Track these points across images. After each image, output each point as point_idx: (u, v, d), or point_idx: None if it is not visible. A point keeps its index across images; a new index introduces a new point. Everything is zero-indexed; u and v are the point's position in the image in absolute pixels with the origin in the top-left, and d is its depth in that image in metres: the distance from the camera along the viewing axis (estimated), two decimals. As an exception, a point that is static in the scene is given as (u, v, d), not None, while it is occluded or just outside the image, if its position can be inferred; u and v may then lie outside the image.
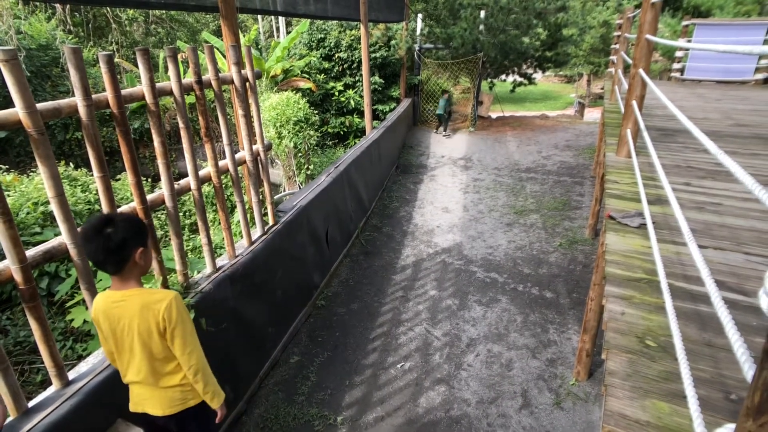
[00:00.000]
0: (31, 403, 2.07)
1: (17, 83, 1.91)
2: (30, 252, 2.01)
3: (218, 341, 3.09)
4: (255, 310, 3.62)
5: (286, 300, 4.17)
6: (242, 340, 3.44)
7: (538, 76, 15.84)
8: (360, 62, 11.21)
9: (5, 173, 5.47)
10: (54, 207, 2.07)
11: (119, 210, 2.44)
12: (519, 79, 14.42)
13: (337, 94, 11.38)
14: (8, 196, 4.71)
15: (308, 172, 7.30)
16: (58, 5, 9.46)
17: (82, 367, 2.33)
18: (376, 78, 11.43)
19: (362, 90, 10.33)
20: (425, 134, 12.29)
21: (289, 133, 7.09)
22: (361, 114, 11.20)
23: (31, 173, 5.25)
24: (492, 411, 3.42)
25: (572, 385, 3.63)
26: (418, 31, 12.46)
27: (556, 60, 13.46)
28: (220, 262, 3.34)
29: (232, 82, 3.41)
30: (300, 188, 6.30)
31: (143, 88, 2.56)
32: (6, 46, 2.00)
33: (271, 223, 4.00)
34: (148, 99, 2.57)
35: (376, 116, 11.22)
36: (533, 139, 11.52)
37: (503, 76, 14.54)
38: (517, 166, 9.42)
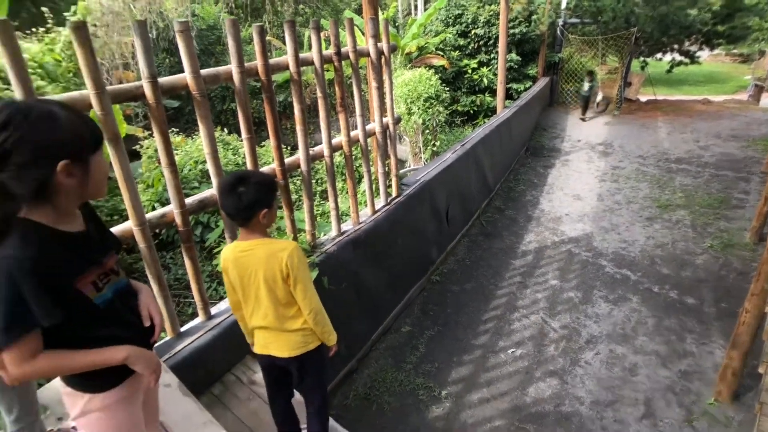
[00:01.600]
0: (183, 328, 2.46)
1: (187, 51, 2.18)
2: (188, 200, 2.34)
3: (337, 300, 3.28)
4: (373, 276, 3.77)
5: (402, 271, 4.27)
6: (359, 302, 3.62)
7: (703, 54, 13.47)
8: (497, 39, 10.68)
9: (175, 135, 6.41)
10: (208, 162, 2.36)
11: (264, 170, 2.69)
12: (678, 57, 12.45)
13: (470, 71, 11.05)
14: (176, 154, 5.50)
15: (434, 149, 7.28)
16: None
17: (222, 305, 2.68)
18: (513, 55, 10.83)
19: (497, 68, 9.87)
20: (562, 116, 11.39)
21: (418, 109, 7.11)
22: (493, 93, 10.74)
23: (194, 136, 6.07)
24: (608, 414, 3.12)
25: (710, 405, 3.13)
26: (564, 5, 11.43)
27: (730, 35, 11.29)
28: (344, 227, 3.53)
29: (368, 54, 3.49)
30: (425, 165, 6.31)
31: (288, 57, 2.75)
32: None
33: (394, 194, 4.09)
34: (292, 68, 2.76)
35: (509, 95, 10.68)
36: (689, 127, 9.96)
37: (659, 55, 12.67)
38: (666, 156, 8.25)
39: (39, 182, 1.04)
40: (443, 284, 4.76)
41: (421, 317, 4.24)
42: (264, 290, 1.76)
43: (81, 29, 1.80)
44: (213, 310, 2.61)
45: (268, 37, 9.81)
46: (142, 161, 5.49)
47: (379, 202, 3.94)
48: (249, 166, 2.58)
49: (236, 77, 2.42)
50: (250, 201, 1.67)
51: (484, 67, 11.05)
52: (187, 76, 2.20)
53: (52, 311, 1.07)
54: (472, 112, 11.05)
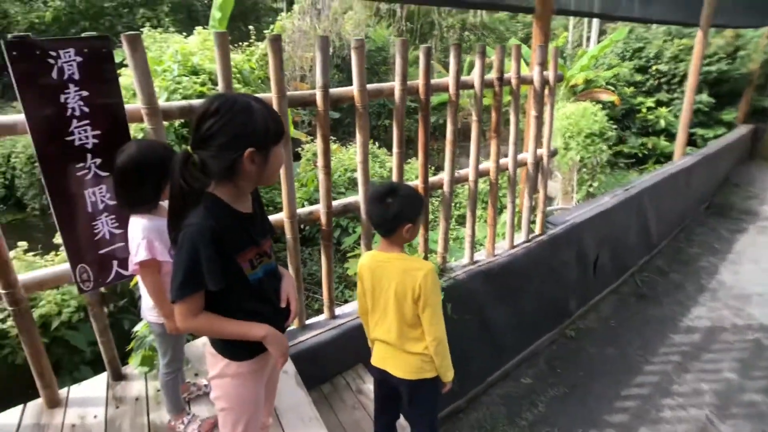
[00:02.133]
0: (307, 321, 2.61)
1: (358, 67, 2.33)
2: (334, 203, 2.49)
3: (458, 331, 3.13)
4: (499, 315, 3.54)
5: (533, 316, 3.94)
6: (480, 338, 3.42)
7: None
8: (684, 76, 9.47)
9: (332, 143, 7.00)
10: (358, 170, 2.48)
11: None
12: None
13: (644, 111, 9.95)
14: (331, 159, 5.98)
15: (590, 190, 6.67)
16: (398, 11, 11.51)
17: (346, 309, 2.77)
18: (704, 96, 9.44)
19: (679, 109, 8.71)
20: (766, 173, 9.46)
21: (577, 145, 6.61)
22: (670, 136, 9.49)
23: (348, 145, 6.54)
24: None
25: None
26: (791, 37, 9.55)
27: None
28: (477, 256, 3.39)
29: (531, 82, 3.35)
30: (576, 205, 5.82)
31: (449, 79, 2.77)
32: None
33: (537, 232, 3.82)
34: (451, 89, 2.77)
35: (691, 142, 9.30)
36: None
37: None
38: None
39: (229, 163, 1.18)
40: (578, 341, 4.25)
41: (547, 372, 3.83)
42: (393, 305, 1.74)
43: (276, 41, 2.04)
44: (337, 311, 2.71)
45: (432, 61, 10.20)
46: (301, 162, 6.11)
47: (519, 237, 3.71)
48: (395, 179, 2.64)
49: (397, 94, 2.51)
50: (396, 213, 1.68)
51: (663, 107, 9.85)
52: (354, 89, 2.35)
53: (218, 278, 1.20)
54: (641, 155, 9.90)
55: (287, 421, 1.97)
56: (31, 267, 2.61)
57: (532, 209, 3.69)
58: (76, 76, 1.67)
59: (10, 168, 8.18)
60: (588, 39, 14.77)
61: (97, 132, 1.76)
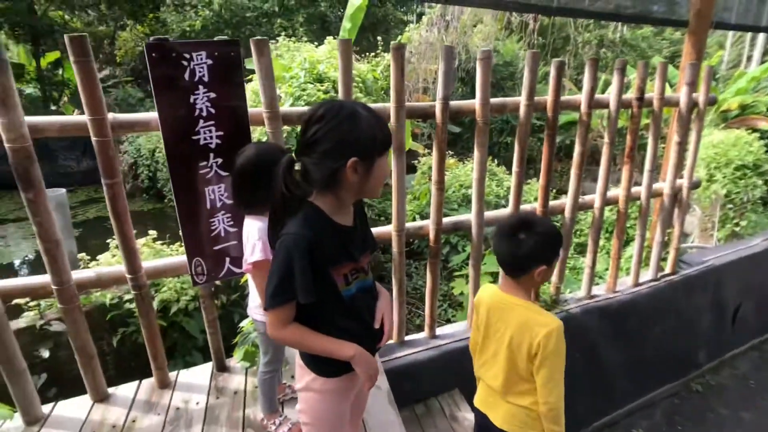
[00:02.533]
0: (407, 337, 2.56)
1: (483, 79, 2.23)
2: (445, 219, 2.41)
3: (566, 368, 2.88)
4: (613, 357, 3.19)
5: (653, 363, 3.49)
6: (589, 378, 3.11)
7: None
8: None
9: (450, 158, 6.86)
10: (474, 187, 2.37)
11: (524, 208, 2.56)
12: None
13: (815, 142, 8.38)
14: (446, 174, 5.86)
15: (736, 229, 5.74)
16: (531, 24, 10.97)
17: (447, 329, 2.67)
18: None
19: None
20: None
21: (724, 177, 5.74)
22: None
23: (466, 161, 6.37)
24: None
25: None
26: None
27: None
28: (595, 290, 3.10)
29: (677, 104, 2.97)
30: (716, 246, 5.08)
31: (581, 96, 2.55)
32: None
33: (668, 270, 3.38)
34: (583, 108, 2.54)
35: None
36: None
37: None
38: None
39: (331, 171, 1.13)
40: (706, 398, 3.66)
41: (664, 427, 3.35)
42: (504, 352, 1.54)
43: (399, 50, 2.02)
44: (438, 331, 2.62)
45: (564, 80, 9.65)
46: (416, 175, 6.06)
47: (646, 275, 3.31)
48: (512, 199, 2.49)
49: (523, 110, 2.37)
50: (529, 252, 1.44)
51: (843, 139, 8.18)
52: (476, 102, 2.25)
53: (310, 291, 1.15)
54: (806, 193, 8.33)
55: (375, 438, 1.91)
56: (158, 255, 2.83)
57: (664, 245, 3.27)
58: (206, 78, 1.74)
59: (154, 161, 9.27)
60: (749, 59, 12.84)
61: (221, 133, 1.82)
